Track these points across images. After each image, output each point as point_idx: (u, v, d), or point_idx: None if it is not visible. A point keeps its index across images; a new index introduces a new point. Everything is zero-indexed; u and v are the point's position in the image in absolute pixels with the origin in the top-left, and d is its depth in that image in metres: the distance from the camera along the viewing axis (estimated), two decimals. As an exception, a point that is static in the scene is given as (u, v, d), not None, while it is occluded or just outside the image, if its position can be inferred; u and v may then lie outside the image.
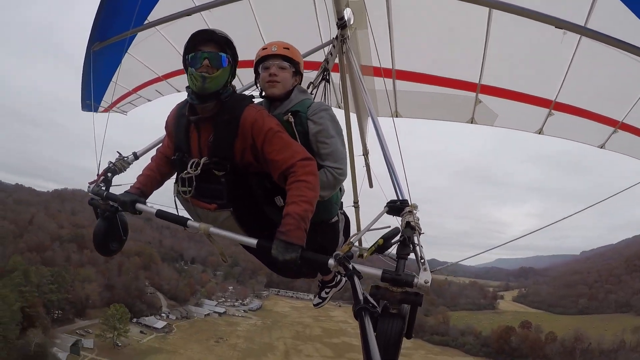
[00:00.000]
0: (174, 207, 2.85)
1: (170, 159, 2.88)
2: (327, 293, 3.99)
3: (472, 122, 5.56)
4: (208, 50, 2.54)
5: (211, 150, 2.59)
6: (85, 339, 69.93)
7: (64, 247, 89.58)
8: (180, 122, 2.73)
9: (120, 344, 72.12)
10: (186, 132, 2.70)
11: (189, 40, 2.56)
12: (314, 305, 4.22)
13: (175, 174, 2.80)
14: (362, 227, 3.02)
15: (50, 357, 59.73)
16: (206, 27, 4.85)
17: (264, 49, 2.98)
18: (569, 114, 4.65)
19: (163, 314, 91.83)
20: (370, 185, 7.14)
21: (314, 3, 4.57)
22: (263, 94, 3.03)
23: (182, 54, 2.62)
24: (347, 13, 4.20)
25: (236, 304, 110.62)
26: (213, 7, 4.23)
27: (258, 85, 3.07)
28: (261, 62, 2.97)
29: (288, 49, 2.96)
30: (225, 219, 2.68)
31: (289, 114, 2.78)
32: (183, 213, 2.90)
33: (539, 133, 5.07)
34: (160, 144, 3.12)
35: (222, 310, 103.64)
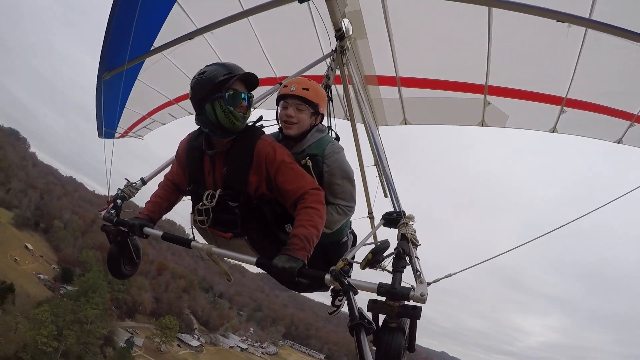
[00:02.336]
0: (192, 234, 2.92)
1: (177, 186, 3.02)
2: (340, 301, 3.97)
3: (482, 125, 5.43)
4: (243, 91, 2.65)
5: (225, 182, 2.67)
6: (136, 338, 79.24)
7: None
8: (194, 155, 2.82)
9: (162, 350, 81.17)
10: (200, 164, 2.78)
11: (224, 77, 2.56)
12: (329, 313, 4.18)
13: (191, 203, 2.88)
14: (377, 239, 3.00)
15: (115, 343, 70.60)
16: (209, 47, 5.01)
17: (285, 86, 3.01)
18: (582, 110, 4.46)
19: (195, 335, 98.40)
20: (385, 195, 7.05)
21: (312, 16, 4.61)
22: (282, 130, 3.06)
23: (190, 77, 2.69)
24: (345, 24, 4.21)
25: (255, 344, 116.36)
26: (214, 29, 4.33)
27: (278, 119, 3.08)
28: (281, 99, 3.01)
29: (308, 89, 2.95)
30: (242, 245, 2.78)
31: (307, 157, 2.88)
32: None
33: (553, 131, 4.89)
34: (169, 171, 3.19)
35: (244, 346, 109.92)
